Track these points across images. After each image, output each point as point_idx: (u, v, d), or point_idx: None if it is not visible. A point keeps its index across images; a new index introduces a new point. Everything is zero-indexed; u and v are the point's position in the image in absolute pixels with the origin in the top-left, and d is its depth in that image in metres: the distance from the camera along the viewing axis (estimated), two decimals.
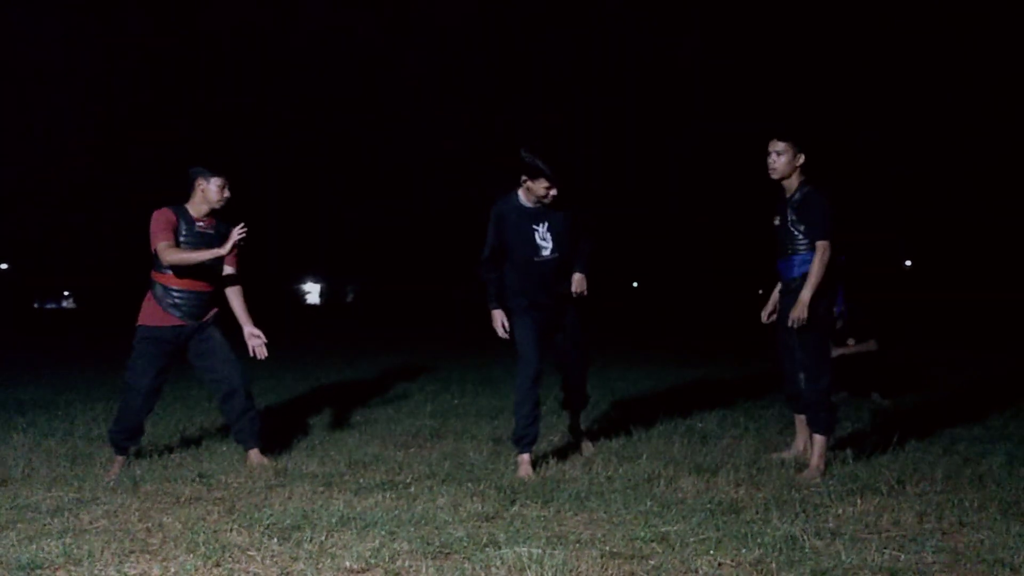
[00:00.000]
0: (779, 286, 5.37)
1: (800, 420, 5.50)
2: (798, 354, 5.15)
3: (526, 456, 5.10)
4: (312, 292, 66.99)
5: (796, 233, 5.09)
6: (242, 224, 5.10)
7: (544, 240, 5.15)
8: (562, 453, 5.55)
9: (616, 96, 38.58)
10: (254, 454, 5.35)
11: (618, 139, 38.22)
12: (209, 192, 5.25)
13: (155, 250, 5.16)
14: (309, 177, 41.22)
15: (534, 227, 5.15)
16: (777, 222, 5.21)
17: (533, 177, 5.03)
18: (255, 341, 5.36)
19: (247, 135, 38.16)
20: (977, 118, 33.19)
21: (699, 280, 42.21)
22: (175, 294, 5.22)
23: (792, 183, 5.14)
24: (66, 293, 60.75)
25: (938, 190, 34.90)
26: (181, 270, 5.20)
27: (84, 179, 38.63)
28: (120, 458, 5.28)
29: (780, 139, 5.09)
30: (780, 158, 5.09)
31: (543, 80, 38.67)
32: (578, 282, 5.20)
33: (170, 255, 5.09)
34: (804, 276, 5.06)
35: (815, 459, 5.03)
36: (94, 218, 40.12)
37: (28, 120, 37.50)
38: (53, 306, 58.03)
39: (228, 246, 5.04)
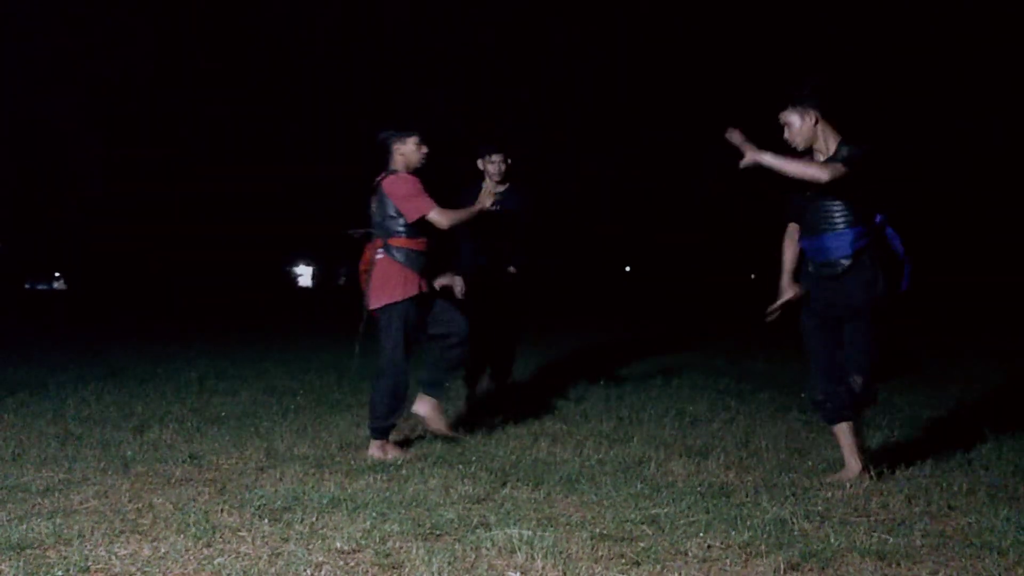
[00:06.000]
0: (783, 276, 4.62)
1: (842, 430, 4.47)
2: (853, 348, 4.39)
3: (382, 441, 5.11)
4: (304, 275, 66.82)
5: (832, 206, 4.30)
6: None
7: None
8: (553, 436, 5.56)
9: (609, 77, 38.41)
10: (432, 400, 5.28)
11: (609, 120, 38.06)
12: (408, 153, 5.13)
13: (427, 216, 5.02)
14: (300, 159, 41.04)
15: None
16: (809, 193, 4.37)
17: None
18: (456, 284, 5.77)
19: (240, 116, 37.95)
20: (974, 101, 33.18)
21: (692, 264, 42.21)
22: (421, 258, 5.12)
23: (825, 145, 4.37)
24: (57, 274, 60.47)
25: (936, 176, 34.96)
26: (426, 232, 5.11)
27: (81, 162, 38.44)
28: (384, 441, 5.10)
29: (784, 110, 4.41)
30: (791, 128, 4.40)
31: (541, 63, 38.48)
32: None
33: (447, 217, 5.06)
34: (837, 260, 4.31)
35: (855, 453, 4.45)
36: (90, 199, 39.93)
37: (24, 104, 37.22)
38: (44, 287, 57.75)
39: (489, 201, 5.23)
